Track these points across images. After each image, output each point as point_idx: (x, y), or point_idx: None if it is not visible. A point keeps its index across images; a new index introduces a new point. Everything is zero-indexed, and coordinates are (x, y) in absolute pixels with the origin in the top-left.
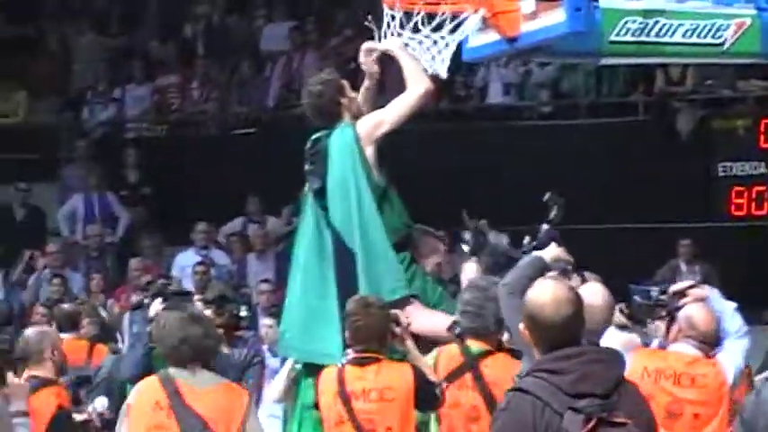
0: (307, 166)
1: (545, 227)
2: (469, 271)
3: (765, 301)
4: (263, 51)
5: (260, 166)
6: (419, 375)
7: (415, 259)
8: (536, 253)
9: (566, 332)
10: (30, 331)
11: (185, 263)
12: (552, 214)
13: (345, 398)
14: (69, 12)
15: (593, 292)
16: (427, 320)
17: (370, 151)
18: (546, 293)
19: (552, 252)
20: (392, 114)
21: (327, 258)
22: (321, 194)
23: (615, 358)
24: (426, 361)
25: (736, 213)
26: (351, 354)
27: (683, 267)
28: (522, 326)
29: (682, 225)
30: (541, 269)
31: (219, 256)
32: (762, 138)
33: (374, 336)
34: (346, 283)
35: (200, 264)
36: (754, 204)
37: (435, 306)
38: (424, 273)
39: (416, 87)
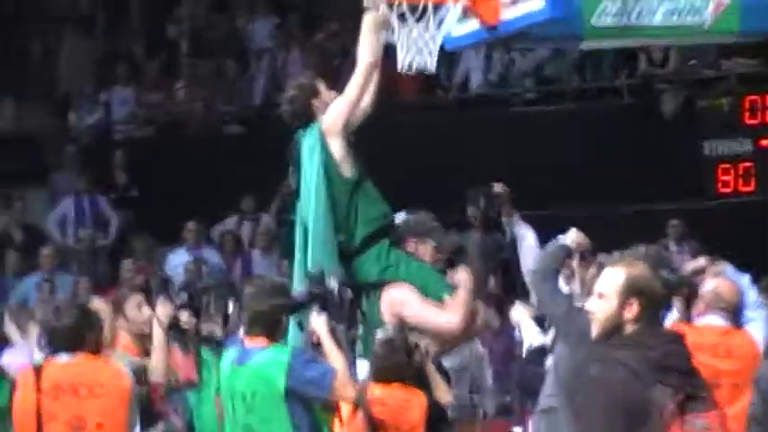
0: (290, 168)
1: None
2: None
3: (755, 278)
4: (247, 49)
5: (250, 165)
6: None
7: (396, 245)
8: (559, 239)
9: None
10: None
11: (177, 261)
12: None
13: None
14: (53, 17)
15: None
16: (421, 311)
17: (337, 144)
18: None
19: (573, 237)
20: (346, 99)
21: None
22: (297, 195)
23: (682, 339)
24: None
25: (723, 191)
26: None
27: (673, 247)
28: (632, 301)
29: (670, 206)
30: (566, 254)
31: (211, 255)
32: (746, 115)
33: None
34: None
35: (192, 262)
36: (741, 181)
37: (425, 286)
38: (409, 256)
39: (361, 63)
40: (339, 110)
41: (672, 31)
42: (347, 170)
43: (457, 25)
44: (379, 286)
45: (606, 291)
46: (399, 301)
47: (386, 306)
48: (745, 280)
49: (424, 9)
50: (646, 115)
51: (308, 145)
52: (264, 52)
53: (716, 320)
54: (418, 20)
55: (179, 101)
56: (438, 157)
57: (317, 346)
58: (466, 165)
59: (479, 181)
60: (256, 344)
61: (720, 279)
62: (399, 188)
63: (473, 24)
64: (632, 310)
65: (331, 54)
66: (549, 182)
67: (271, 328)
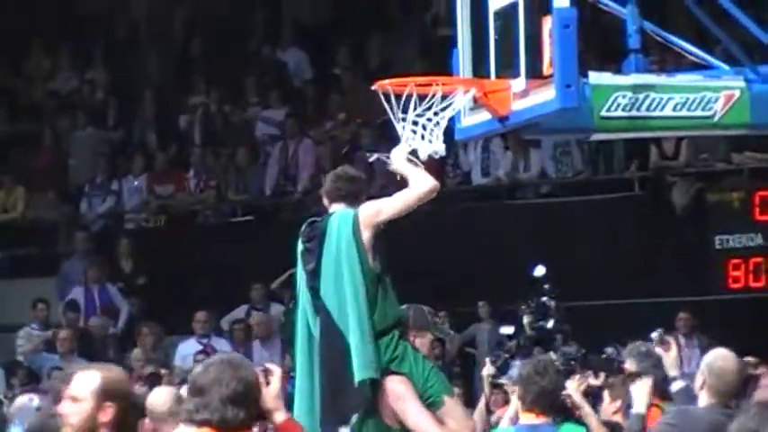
0: (301, 247)
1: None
2: None
3: None
4: (258, 138)
5: (259, 254)
6: None
7: (403, 336)
8: None
9: None
10: None
11: (187, 352)
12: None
13: None
14: (66, 105)
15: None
16: (413, 413)
17: (366, 236)
18: None
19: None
20: (392, 205)
21: (314, 338)
22: (314, 275)
23: None
24: None
25: (734, 286)
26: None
27: (682, 340)
28: (108, 405)
29: (680, 299)
30: None
31: (221, 344)
32: (757, 210)
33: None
34: (332, 361)
35: (200, 352)
36: (751, 276)
37: (425, 382)
38: (415, 350)
39: (421, 185)
40: (384, 208)
41: (682, 123)
42: (372, 262)
43: (467, 115)
44: (382, 376)
45: (79, 393)
46: (396, 395)
47: (384, 396)
48: None
49: (432, 100)
50: (657, 208)
51: (336, 226)
52: (275, 141)
53: None
54: (427, 109)
55: (190, 190)
56: (446, 248)
57: None
58: (475, 257)
59: (490, 273)
60: (542, 420)
61: None
62: (407, 279)
63: (483, 115)
64: (107, 414)
65: (341, 143)
66: (558, 275)
67: (552, 405)
